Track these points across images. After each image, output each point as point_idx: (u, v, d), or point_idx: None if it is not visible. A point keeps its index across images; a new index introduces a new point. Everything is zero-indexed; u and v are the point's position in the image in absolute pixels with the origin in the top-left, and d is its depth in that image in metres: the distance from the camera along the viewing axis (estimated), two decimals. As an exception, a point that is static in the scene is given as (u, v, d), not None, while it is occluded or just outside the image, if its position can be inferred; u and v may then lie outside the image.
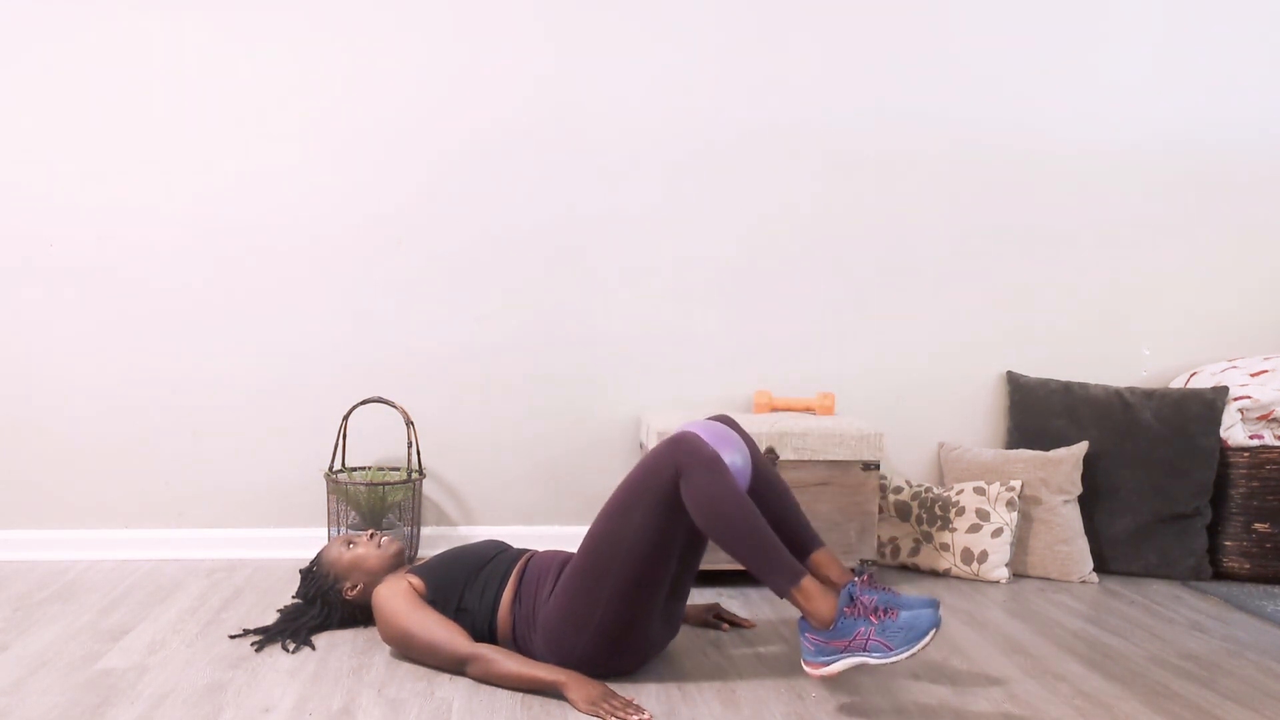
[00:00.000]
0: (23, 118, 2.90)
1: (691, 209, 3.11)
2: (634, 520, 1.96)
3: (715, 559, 2.73)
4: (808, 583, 1.90)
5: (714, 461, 1.94)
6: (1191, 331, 3.29)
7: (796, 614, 2.55)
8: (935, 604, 1.91)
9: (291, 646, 2.23)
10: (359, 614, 2.36)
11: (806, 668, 1.92)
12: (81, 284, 2.95)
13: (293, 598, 2.43)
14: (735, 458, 2.06)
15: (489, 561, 2.22)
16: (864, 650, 1.86)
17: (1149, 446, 2.99)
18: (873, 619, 1.87)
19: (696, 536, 2.05)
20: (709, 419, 2.20)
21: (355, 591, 2.31)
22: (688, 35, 3.07)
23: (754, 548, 1.91)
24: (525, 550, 2.28)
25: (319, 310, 3.02)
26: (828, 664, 1.89)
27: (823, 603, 1.89)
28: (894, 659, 1.84)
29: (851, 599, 1.90)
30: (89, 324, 2.96)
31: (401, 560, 2.35)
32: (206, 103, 2.94)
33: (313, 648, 2.24)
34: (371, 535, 2.36)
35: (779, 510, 2.14)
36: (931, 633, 1.84)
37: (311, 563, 2.39)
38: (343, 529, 2.88)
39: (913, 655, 1.85)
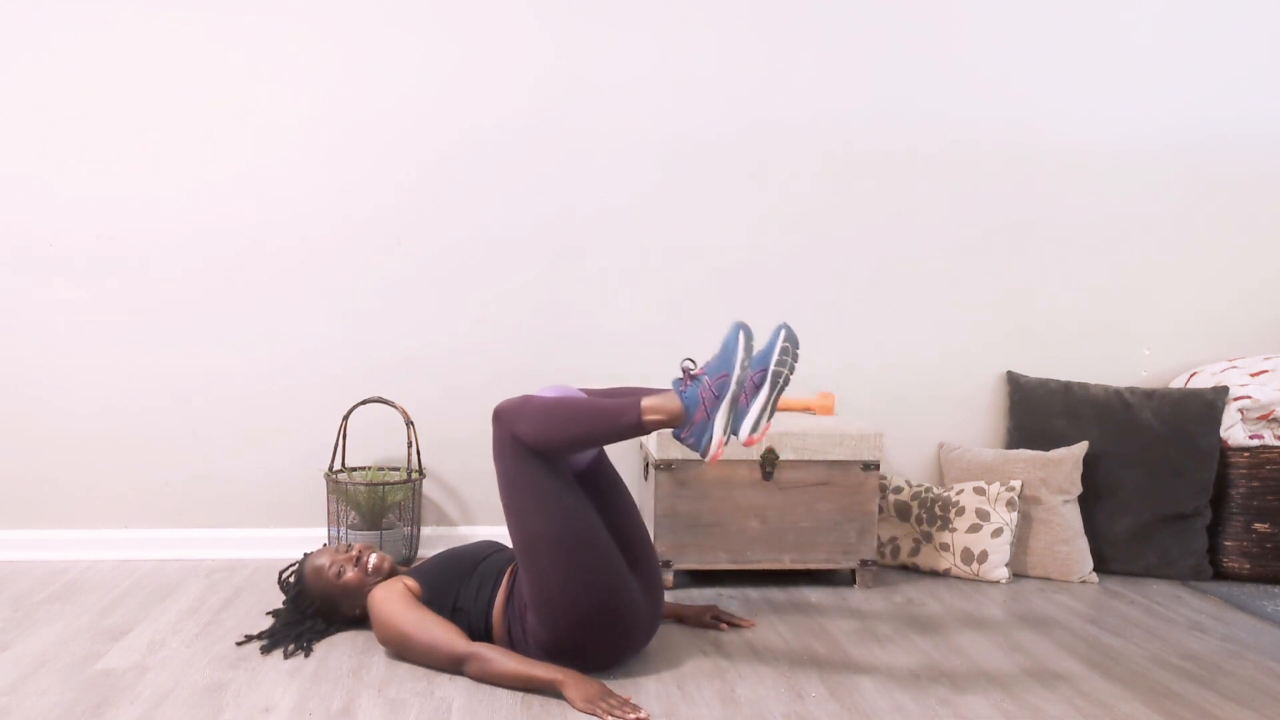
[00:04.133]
0: (21, 117, 2.90)
1: (691, 207, 3.11)
2: (523, 502, 2.02)
3: (715, 559, 2.73)
4: (645, 401, 1.98)
5: (522, 400, 2.05)
6: (1191, 331, 3.29)
7: (794, 612, 2.56)
8: (736, 323, 1.97)
9: (289, 650, 2.22)
10: (359, 623, 2.35)
11: (706, 459, 1.96)
12: (81, 283, 2.95)
13: (284, 603, 2.39)
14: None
15: (483, 561, 2.23)
16: (716, 398, 1.92)
17: (1149, 446, 2.99)
18: (699, 374, 1.96)
19: (598, 492, 2.13)
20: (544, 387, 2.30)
21: (359, 611, 2.31)
22: (686, 32, 3.07)
23: (591, 420, 1.99)
24: (520, 550, 2.29)
25: (319, 310, 3.02)
26: (710, 438, 1.94)
27: (663, 400, 1.97)
28: (736, 375, 1.91)
29: (681, 380, 1.99)
30: (88, 323, 2.96)
31: (392, 573, 2.31)
32: (206, 100, 2.94)
33: (306, 654, 2.21)
34: (358, 559, 2.29)
35: (622, 391, 2.22)
36: (739, 333, 1.93)
37: (296, 584, 2.32)
38: (343, 529, 2.88)
39: (747, 356, 1.92)
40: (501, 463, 2.05)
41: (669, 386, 2.12)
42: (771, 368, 1.93)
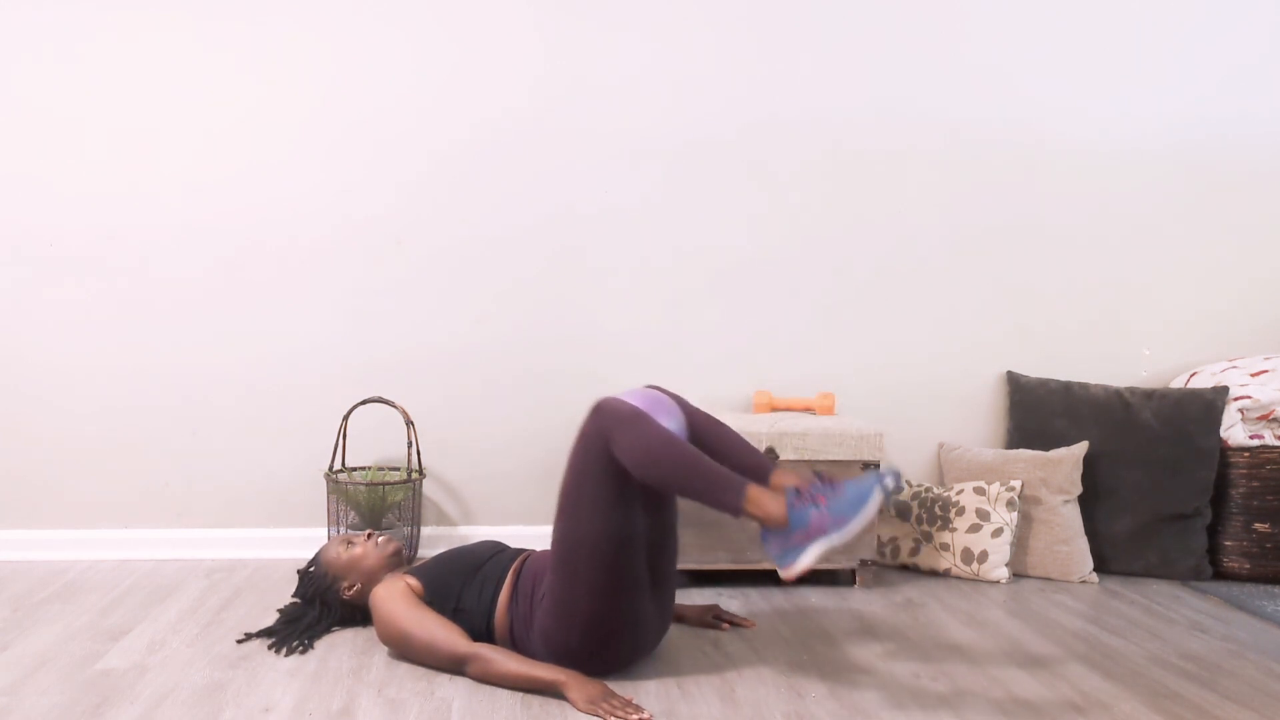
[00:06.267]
0: (21, 117, 2.90)
1: (691, 206, 3.11)
2: (585, 501, 1.98)
3: (715, 559, 2.73)
4: (752, 490, 1.91)
5: (635, 415, 1.96)
6: (1191, 331, 3.29)
7: (795, 612, 2.56)
8: (879, 474, 1.89)
9: (284, 651, 2.22)
10: (357, 614, 2.35)
11: (782, 574, 1.92)
12: (81, 283, 2.95)
13: (291, 597, 2.42)
14: (669, 422, 2.08)
15: (486, 561, 2.23)
16: (824, 533, 1.87)
17: (1149, 446, 2.99)
18: (820, 500, 1.89)
19: (653, 507, 2.06)
20: (638, 389, 2.20)
21: (353, 591, 2.31)
22: (685, 32, 3.07)
23: (694, 478, 1.92)
24: (522, 550, 2.29)
25: (319, 309, 3.02)
26: (797, 559, 1.89)
27: (772, 503, 1.90)
28: (851, 526, 1.85)
29: (798, 493, 1.92)
30: (88, 323, 2.96)
31: (399, 560, 2.35)
32: (206, 100, 2.94)
33: (303, 652, 2.23)
34: (369, 535, 2.37)
35: (723, 446, 2.13)
36: (876, 490, 1.85)
37: (310, 562, 2.39)
38: (343, 529, 2.88)
39: (867, 518, 1.85)
40: (582, 458, 1.99)
41: (783, 480, 2.04)
42: (851, 524, 1.86)
